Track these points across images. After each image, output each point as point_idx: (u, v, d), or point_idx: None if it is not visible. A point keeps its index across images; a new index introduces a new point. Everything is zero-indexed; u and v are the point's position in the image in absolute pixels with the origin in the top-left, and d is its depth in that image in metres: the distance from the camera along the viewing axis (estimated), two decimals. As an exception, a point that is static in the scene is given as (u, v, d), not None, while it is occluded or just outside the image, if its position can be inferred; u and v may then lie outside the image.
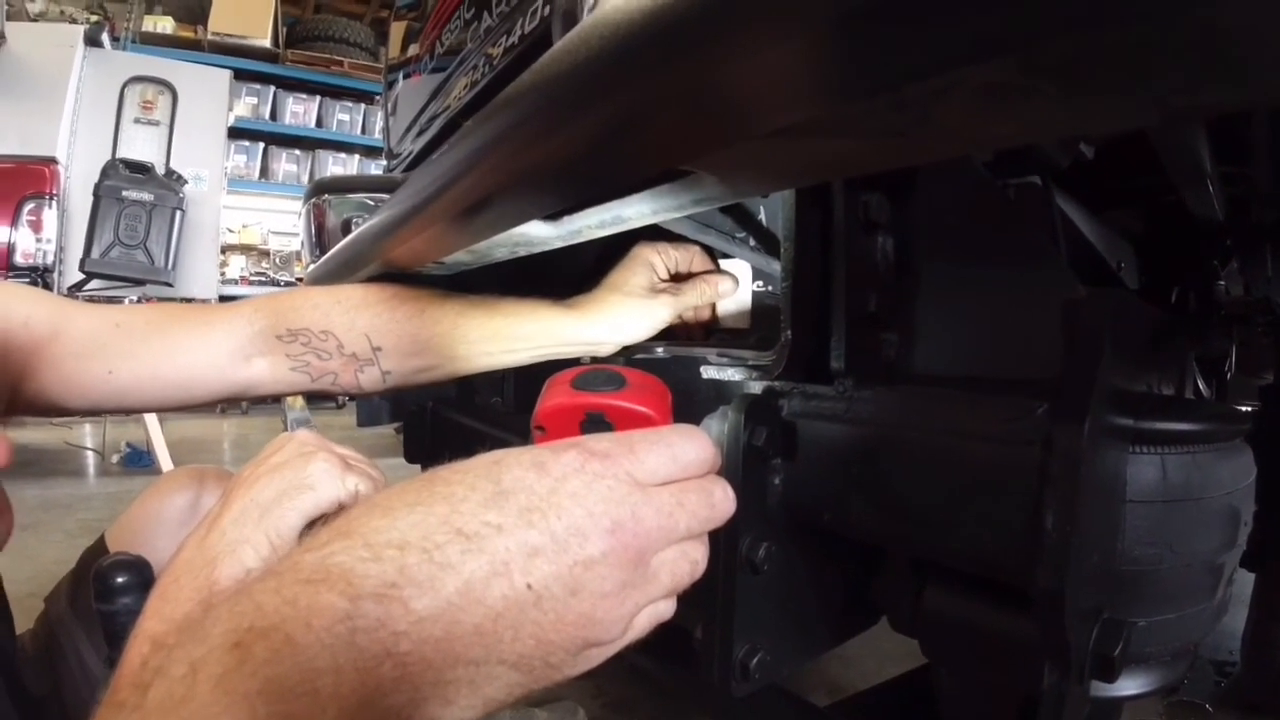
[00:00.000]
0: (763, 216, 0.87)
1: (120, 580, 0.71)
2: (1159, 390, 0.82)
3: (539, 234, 0.64)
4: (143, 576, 0.71)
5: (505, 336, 0.85)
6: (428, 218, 0.67)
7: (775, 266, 0.81)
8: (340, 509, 0.69)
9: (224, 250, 5.42)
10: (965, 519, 0.54)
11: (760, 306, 0.89)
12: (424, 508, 0.37)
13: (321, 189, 1.64)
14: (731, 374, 0.65)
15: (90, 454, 4.06)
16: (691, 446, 0.43)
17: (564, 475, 0.39)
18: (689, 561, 0.43)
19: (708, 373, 0.68)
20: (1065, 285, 0.60)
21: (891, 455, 0.57)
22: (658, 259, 0.88)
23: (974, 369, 0.61)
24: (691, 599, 0.50)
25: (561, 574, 0.37)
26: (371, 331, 0.85)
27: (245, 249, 5.78)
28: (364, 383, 0.87)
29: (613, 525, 0.38)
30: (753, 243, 0.86)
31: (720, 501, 0.43)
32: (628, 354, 0.89)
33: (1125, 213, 1.06)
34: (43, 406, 0.79)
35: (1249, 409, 1.28)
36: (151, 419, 3.50)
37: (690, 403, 0.88)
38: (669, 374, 0.97)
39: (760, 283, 0.89)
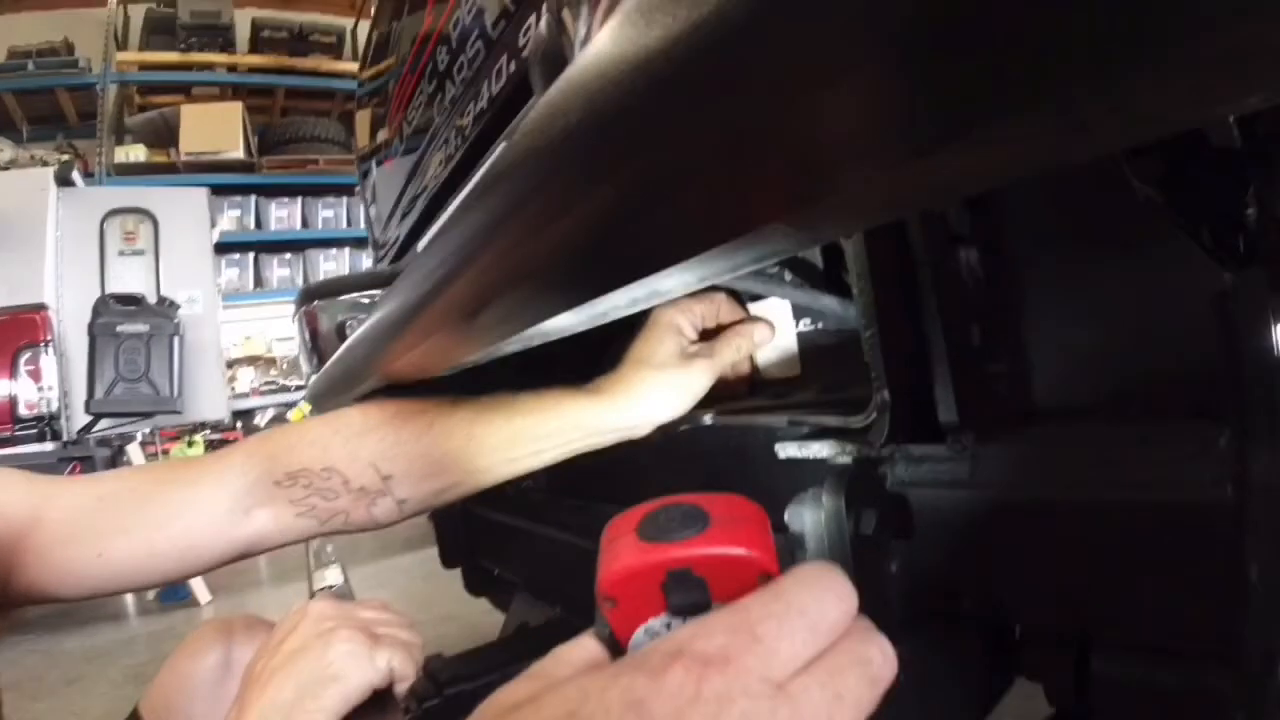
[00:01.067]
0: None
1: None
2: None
3: (559, 325, 0.53)
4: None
5: (528, 438, 0.74)
6: (421, 329, 0.57)
7: (824, 301, 0.70)
8: (375, 695, 0.59)
9: (230, 365, 5.37)
10: (1145, 583, 0.44)
11: (810, 349, 0.77)
12: None
13: (310, 295, 1.55)
14: (818, 450, 0.53)
15: (130, 594, 3.94)
16: (829, 600, 0.31)
17: (677, 714, 0.27)
18: None
19: (785, 452, 0.56)
20: (1202, 271, 0.48)
21: (1044, 523, 0.45)
22: (683, 319, 0.76)
23: (1107, 392, 0.50)
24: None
25: None
26: (378, 459, 0.74)
27: (252, 360, 5.71)
28: (379, 516, 0.76)
29: None
30: (789, 276, 0.75)
31: (881, 668, 0.31)
32: (665, 431, 0.77)
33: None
34: (38, 598, 0.71)
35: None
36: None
37: (760, 480, 0.76)
38: (724, 445, 0.86)
39: (806, 321, 0.78)
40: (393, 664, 0.58)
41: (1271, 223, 0.64)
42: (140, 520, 0.72)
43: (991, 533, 0.47)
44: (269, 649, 0.62)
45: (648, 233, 0.32)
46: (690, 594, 0.32)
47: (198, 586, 3.48)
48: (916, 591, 0.52)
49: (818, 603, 0.30)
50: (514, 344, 0.59)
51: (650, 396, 0.73)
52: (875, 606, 0.53)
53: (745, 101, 0.22)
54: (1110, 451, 0.45)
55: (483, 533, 1.40)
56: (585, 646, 0.35)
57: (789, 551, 0.53)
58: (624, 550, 0.34)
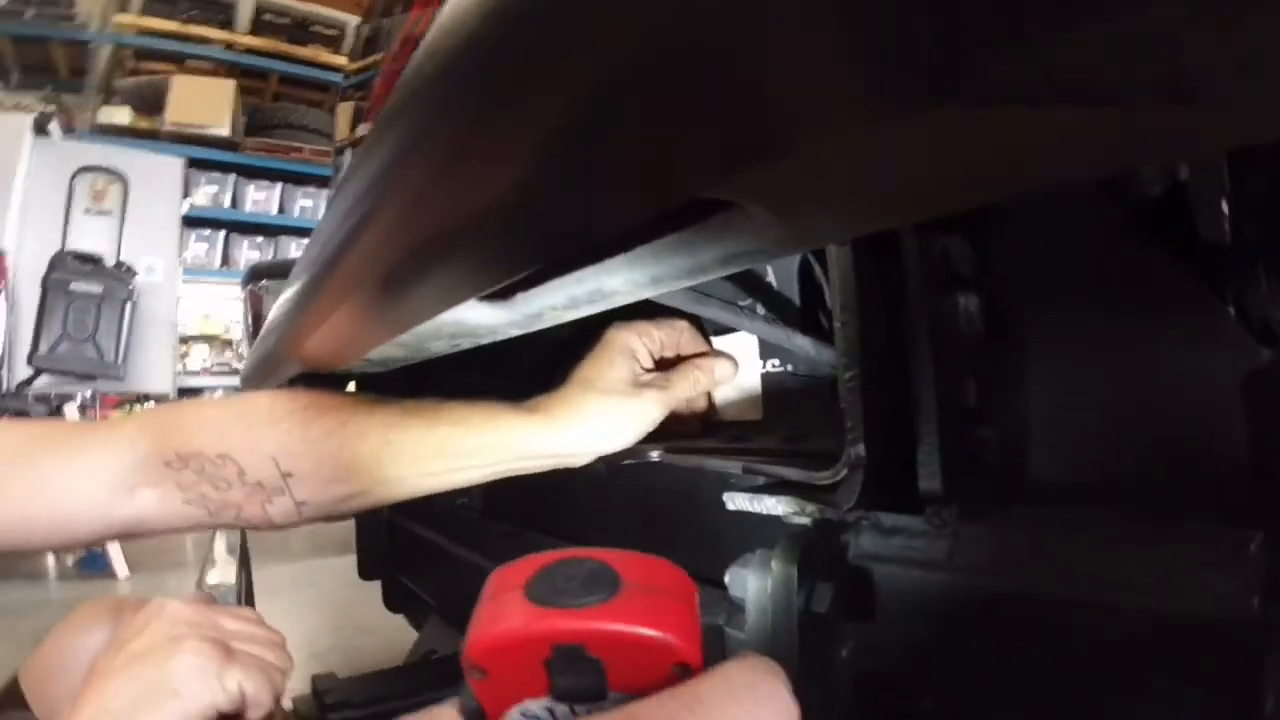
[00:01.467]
0: (772, 277, 0.68)
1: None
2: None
3: (482, 320, 0.45)
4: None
5: (451, 453, 0.65)
6: (328, 299, 0.48)
7: (797, 341, 0.62)
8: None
9: (185, 341, 5.22)
10: (1141, 708, 0.37)
11: (775, 392, 0.70)
12: None
13: (257, 274, 1.46)
14: (772, 506, 0.45)
15: (49, 556, 3.81)
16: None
17: None
18: None
19: (735, 503, 0.48)
20: (1236, 347, 0.41)
21: (1027, 623, 0.38)
22: (639, 343, 0.68)
23: (1114, 477, 0.42)
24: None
25: None
26: (280, 454, 0.65)
27: (208, 339, 5.56)
28: (274, 516, 0.67)
29: None
30: (761, 311, 0.67)
31: None
32: (608, 462, 0.68)
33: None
34: None
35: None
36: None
37: (705, 531, 0.68)
38: (671, 487, 0.78)
39: (775, 361, 0.70)
40: (245, 687, 0.50)
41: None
42: (15, 482, 0.65)
43: (966, 627, 0.40)
44: (116, 645, 0.55)
45: (581, 198, 0.24)
46: (581, 677, 0.24)
47: (117, 560, 3.40)
48: (869, 683, 0.44)
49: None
50: (436, 340, 0.51)
51: (593, 422, 0.65)
52: (820, 697, 0.45)
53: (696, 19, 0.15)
54: (1115, 548, 0.38)
55: (406, 546, 1.30)
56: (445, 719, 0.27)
57: (718, 627, 0.45)
58: (505, 611, 0.25)
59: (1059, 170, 0.22)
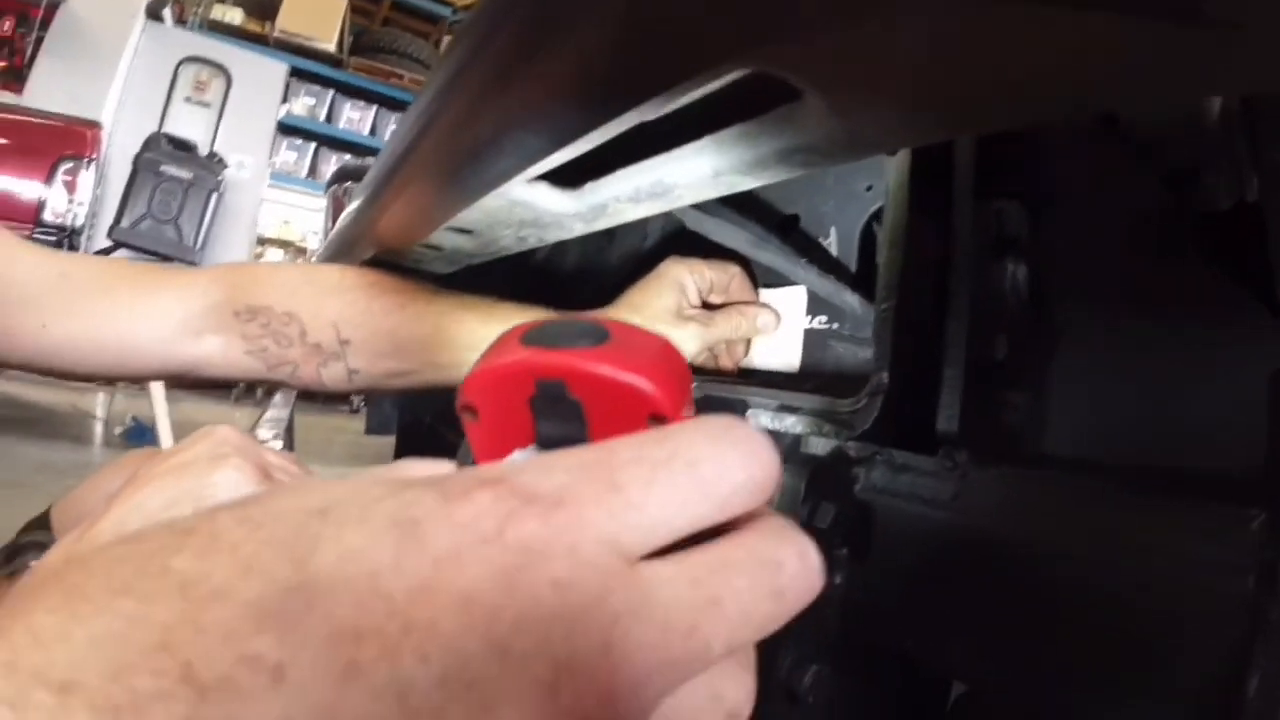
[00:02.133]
0: (833, 240, 0.70)
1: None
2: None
3: (550, 206, 0.47)
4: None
5: None
6: (406, 173, 0.51)
7: (846, 297, 0.63)
8: None
9: (263, 243, 5.35)
10: (1123, 672, 0.37)
11: (815, 348, 0.71)
12: (134, 604, 0.16)
13: (344, 176, 1.50)
14: (793, 424, 0.47)
15: (98, 423, 3.95)
16: (733, 459, 0.21)
17: (456, 552, 0.17)
18: (719, 711, 0.21)
19: (758, 420, 0.50)
20: (1271, 348, 0.42)
21: (1019, 570, 0.39)
22: (689, 279, 0.72)
23: (1133, 454, 0.43)
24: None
25: None
26: (341, 321, 0.70)
27: (284, 244, 5.70)
28: (327, 379, 0.72)
29: (555, 673, 0.17)
30: (820, 270, 0.68)
31: (794, 579, 0.21)
32: None
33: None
34: None
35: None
36: (159, 396, 3.40)
37: None
38: (701, 410, 0.80)
39: (823, 319, 0.71)
40: None
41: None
42: (93, 308, 0.70)
43: (957, 571, 0.41)
44: (161, 457, 0.59)
45: (646, 55, 0.26)
46: (564, 421, 0.25)
47: (164, 436, 3.48)
48: (855, 617, 0.46)
49: (717, 459, 0.21)
50: (505, 227, 0.54)
51: None
52: (807, 616, 0.47)
53: None
54: (1117, 511, 0.38)
55: (443, 456, 1.34)
56: (438, 467, 0.26)
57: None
58: (498, 352, 0.26)
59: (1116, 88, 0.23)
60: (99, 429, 3.88)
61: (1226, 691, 0.32)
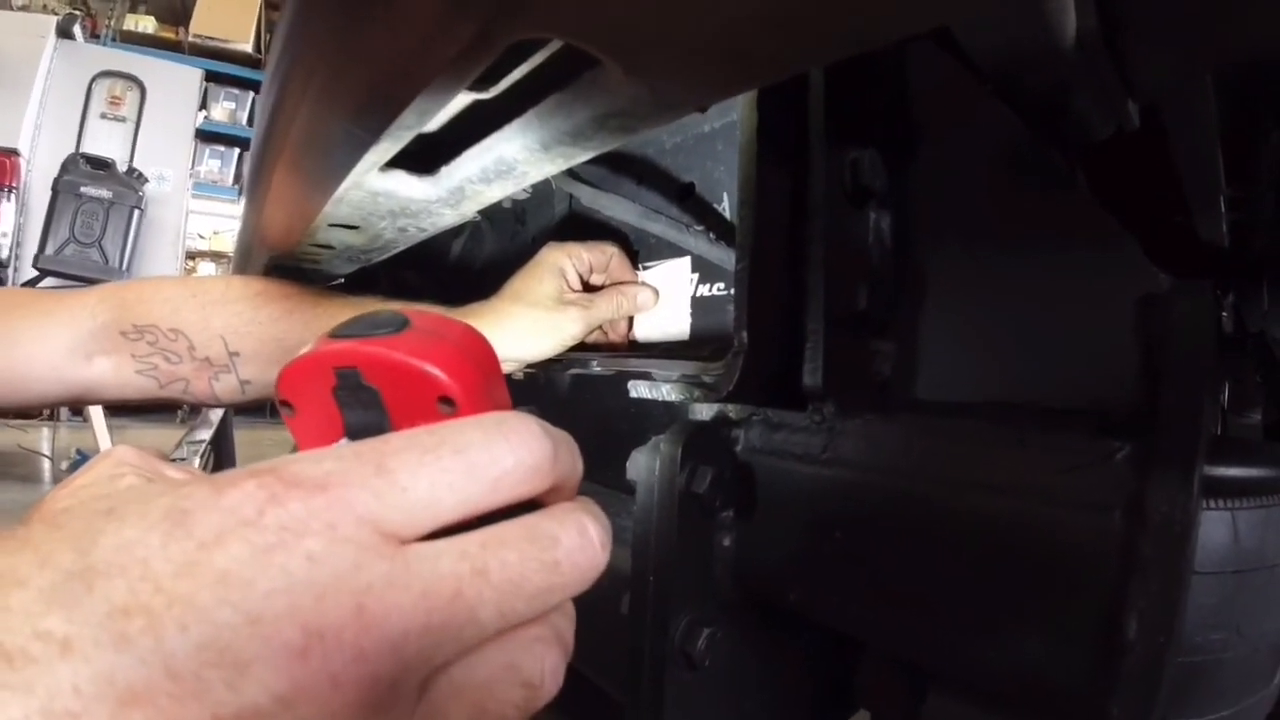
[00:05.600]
0: (726, 205, 0.70)
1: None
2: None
3: (412, 194, 0.47)
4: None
5: None
6: (266, 172, 0.50)
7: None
8: None
9: (192, 256, 5.24)
10: (1000, 616, 0.36)
11: (713, 314, 0.71)
12: None
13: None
14: (668, 393, 0.47)
15: (46, 460, 3.89)
16: (501, 446, 0.23)
17: (219, 535, 0.20)
18: (514, 680, 0.23)
19: (637, 391, 0.50)
20: (1139, 276, 0.42)
21: (889, 517, 0.39)
22: (568, 263, 0.74)
23: (1003, 392, 0.44)
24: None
25: None
26: (228, 333, 0.70)
27: (215, 256, 5.59)
28: (220, 392, 0.71)
29: (305, 637, 0.19)
30: (712, 236, 0.69)
31: (572, 552, 0.24)
32: (549, 370, 0.72)
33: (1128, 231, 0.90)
34: None
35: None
36: (100, 426, 3.35)
37: (619, 431, 0.71)
38: (605, 397, 0.81)
39: (720, 286, 0.72)
40: None
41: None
42: None
43: (833, 522, 0.41)
44: (65, 483, 0.58)
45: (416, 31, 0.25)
46: (366, 410, 0.26)
47: None
48: (748, 576, 0.46)
49: (485, 445, 0.23)
50: (380, 219, 0.53)
51: (518, 332, 0.71)
52: (698, 579, 0.47)
53: None
54: (985, 450, 0.38)
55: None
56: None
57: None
58: (314, 346, 0.27)
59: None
60: (47, 466, 3.82)
61: (1108, 634, 0.31)
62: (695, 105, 0.29)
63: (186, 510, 0.20)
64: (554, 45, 0.31)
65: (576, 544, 0.24)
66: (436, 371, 0.25)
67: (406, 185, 0.46)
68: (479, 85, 0.36)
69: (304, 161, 0.43)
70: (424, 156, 0.44)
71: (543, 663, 0.24)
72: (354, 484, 0.21)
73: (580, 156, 0.37)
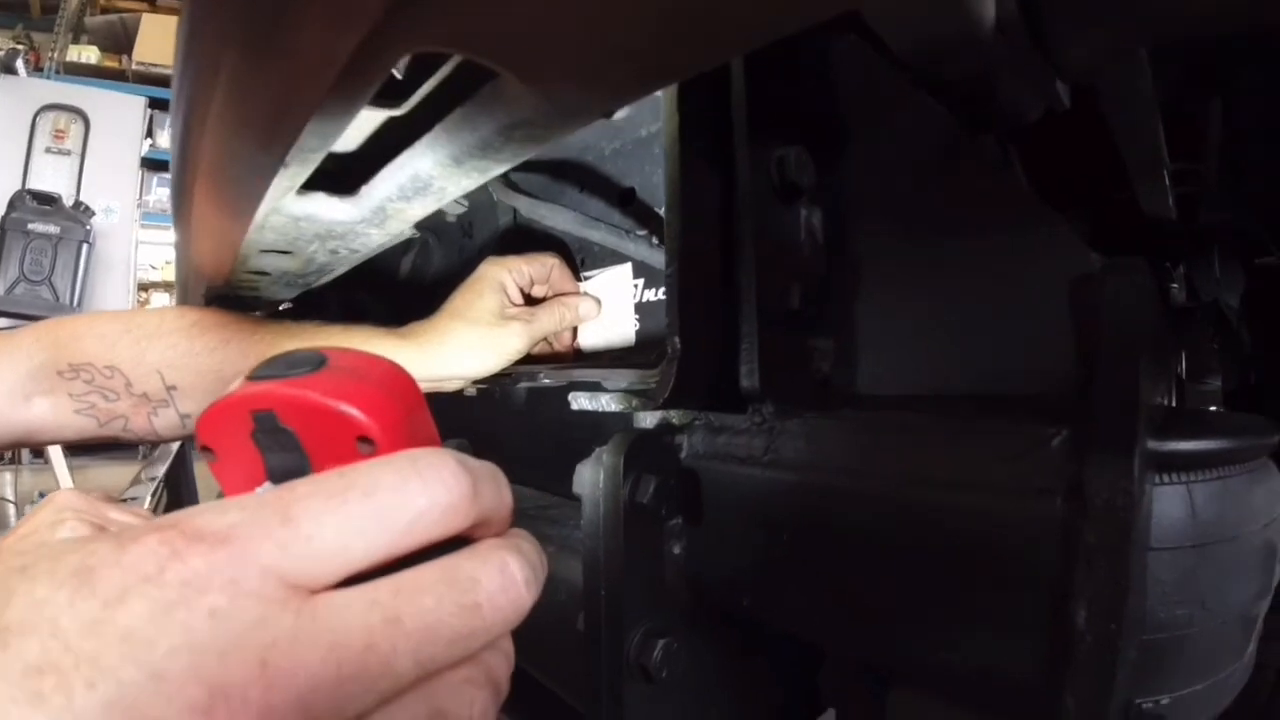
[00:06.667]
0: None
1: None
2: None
3: (335, 216, 0.46)
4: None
5: None
6: (185, 201, 0.49)
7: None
8: None
9: (145, 288, 5.15)
10: (952, 610, 0.36)
11: (651, 320, 0.71)
12: None
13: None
14: (607, 403, 0.46)
15: (10, 505, 3.81)
16: (414, 486, 0.23)
17: (122, 592, 0.20)
18: None
19: (578, 403, 0.49)
20: (1073, 259, 0.42)
21: (835, 516, 0.39)
22: (508, 278, 0.73)
23: (943, 383, 0.44)
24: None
25: None
26: (165, 367, 0.68)
27: (168, 286, 5.49)
28: (160, 428, 0.70)
29: (209, 696, 0.19)
30: (654, 241, 0.68)
31: (496, 592, 0.23)
32: (501, 383, 0.72)
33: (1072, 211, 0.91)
34: None
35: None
36: (60, 468, 3.29)
37: (564, 444, 0.70)
38: (557, 408, 0.80)
39: (662, 291, 0.71)
40: None
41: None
42: None
43: (777, 523, 0.41)
44: (10, 532, 0.58)
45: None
46: (285, 452, 0.25)
47: None
48: (699, 583, 0.46)
49: (396, 488, 0.22)
50: (310, 243, 0.52)
51: (460, 350, 0.71)
52: (649, 591, 0.47)
53: None
54: (923, 443, 0.37)
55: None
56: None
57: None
58: (225, 392, 0.27)
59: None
60: (11, 511, 3.75)
61: (1059, 623, 0.31)
62: (599, 111, 0.29)
63: (91, 568, 0.20)
64: (455, 59, 0.31)
65: (498, 585, 0.23)
66: (352, 411, 0.25)
67: (327, 207, 0.45)
68: (389, 102, 0.35)
69: (220, 188, 0.42)
70: (343, 177, 0.43)
71: (471, 707, 0.23)
72: (258, 536, 0.21)
73: (494, 169, 0.36)
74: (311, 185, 0.42)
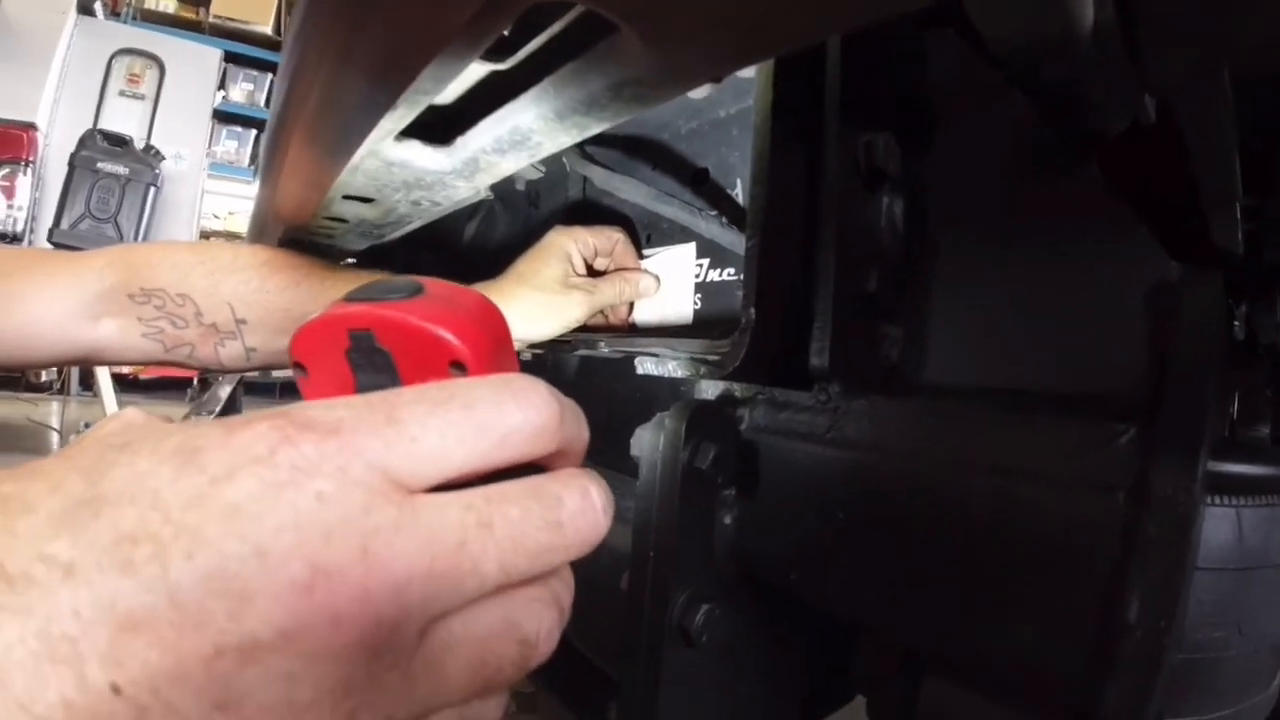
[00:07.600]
0: (738, 191, 0.70)
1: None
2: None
3: (427, 164, 0.47)
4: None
5: None
6: (283, 143, 0.51)
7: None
8: None
9: (206, 236, 5.25)
10: (1000, 598, 0.36)
11: (723, 299, 0.71)
12: None
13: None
14: (674, 369, 0.47)
15: (54, 433, 3.89)
16: (510, 405, 0.24)
17: (231, 470, 0.20)
18: (511, 637, 0.23)
19: (644, 368, 0.50)
20: (1150, 265, 0.42)
21: (892, 498, 0.39)
22: (574, 247, 0.75)
23: (1010, 379, 0.44)
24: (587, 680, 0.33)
25: (186, 672, 0.18)
26: (236, 300, 0.70)
27: (230, 236, 5.60)
28: (225, 358, 0.72)
29: (311, 574, 0.20)
30: (724, 221, 0.69)
31: (576, 515, 0.24)
32: (556, 351, 0.73)
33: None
34: None
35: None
36: (109, 399, 3.37)
37: (624, 410, 0.71)
38: (612, 378, 0.81)
39: (730, 271, 0.72)
40: None
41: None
42: None
43: (835, 502, 0.41)
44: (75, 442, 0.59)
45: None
46: (378, 372, 0.26)
47: None
48: (748, 555, 0.47)
49: (493, 403, 0.24)
50: (395, 191, 0.53)
51: (523, 313, 0.73)
52: (699, 555, 0.48)
53: None
54: (990, 433, 0.38)
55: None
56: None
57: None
58: (324, 310, 0.28)
59: None
60: (55, 439, 3.83)
61: (1110, 616, 0.31)
62: (710, 75, 0.30)
63: (199, 447, 0.21)
64: (572, 13, 0.32)
65: (579, 507, 0.24)
66: (449, 336, 0.26)
67: (421, 155, 0.46)
68: (496, 56, 0.36)
69: (321, 128, 0.44)
70: (439, 127, 0.44)
71: (540, 623, 0.24)
72: (365, 431, 0.22)
73: (594, 127, 0.37)
74: (408, 133, 0.44)
